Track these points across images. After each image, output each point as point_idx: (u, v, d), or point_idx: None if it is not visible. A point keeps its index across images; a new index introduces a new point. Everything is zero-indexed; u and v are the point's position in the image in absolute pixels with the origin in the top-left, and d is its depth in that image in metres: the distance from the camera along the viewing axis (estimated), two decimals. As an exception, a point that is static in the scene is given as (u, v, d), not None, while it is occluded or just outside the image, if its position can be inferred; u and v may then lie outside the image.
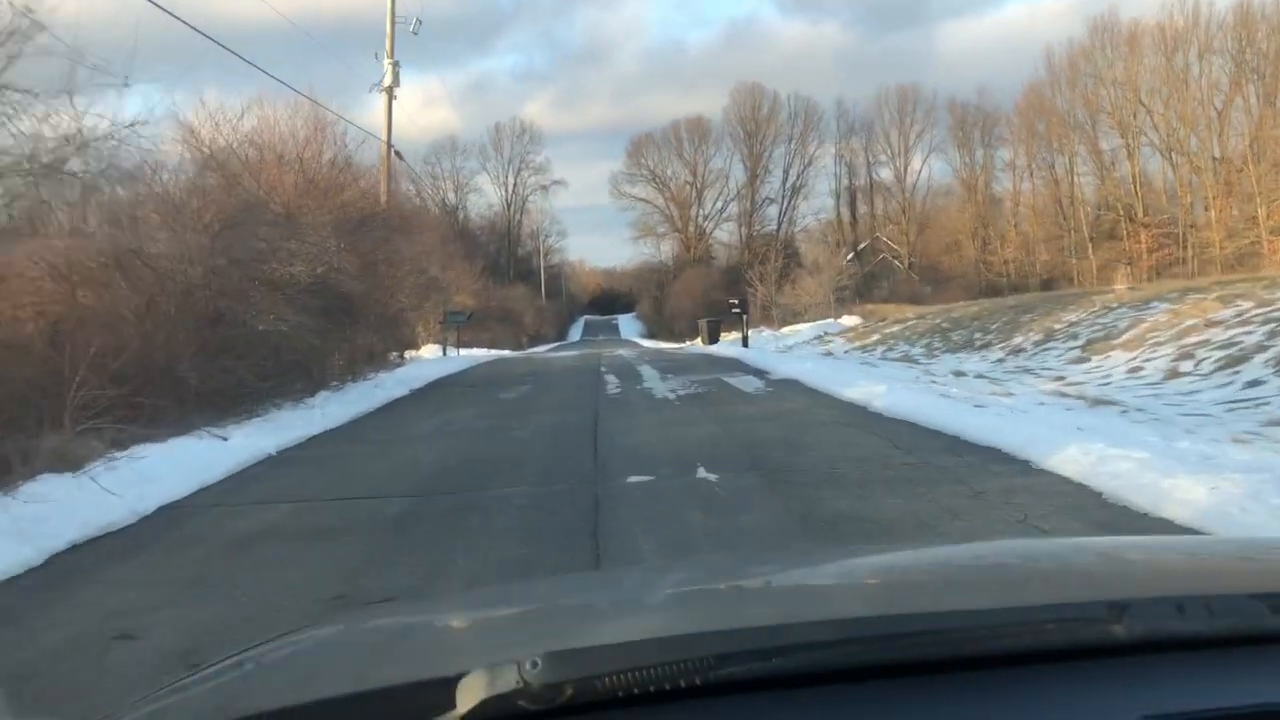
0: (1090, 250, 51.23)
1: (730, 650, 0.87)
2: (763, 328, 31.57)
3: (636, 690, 0.82)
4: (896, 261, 56.51)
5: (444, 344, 25.67)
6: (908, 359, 20.25)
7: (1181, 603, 0.95)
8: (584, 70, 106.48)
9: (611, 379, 16.69)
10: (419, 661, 1.10)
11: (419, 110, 69.55)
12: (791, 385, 13.80)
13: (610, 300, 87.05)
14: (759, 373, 16.37)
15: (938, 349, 20.91)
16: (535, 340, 50.04)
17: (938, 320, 25.47)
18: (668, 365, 19.73)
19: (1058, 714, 0.85)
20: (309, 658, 1.22)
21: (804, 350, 25.06)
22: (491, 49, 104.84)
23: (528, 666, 0.82)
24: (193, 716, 1.06)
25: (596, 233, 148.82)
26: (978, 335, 20.96)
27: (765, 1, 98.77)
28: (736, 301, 28.73)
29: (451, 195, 66.91)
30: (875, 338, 25.89)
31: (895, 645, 0.90)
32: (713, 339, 33.19)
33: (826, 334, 29.57)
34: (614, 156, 66.63)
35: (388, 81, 24.05)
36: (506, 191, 70.44)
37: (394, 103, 24.01)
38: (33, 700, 3.38)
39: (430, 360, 22.98)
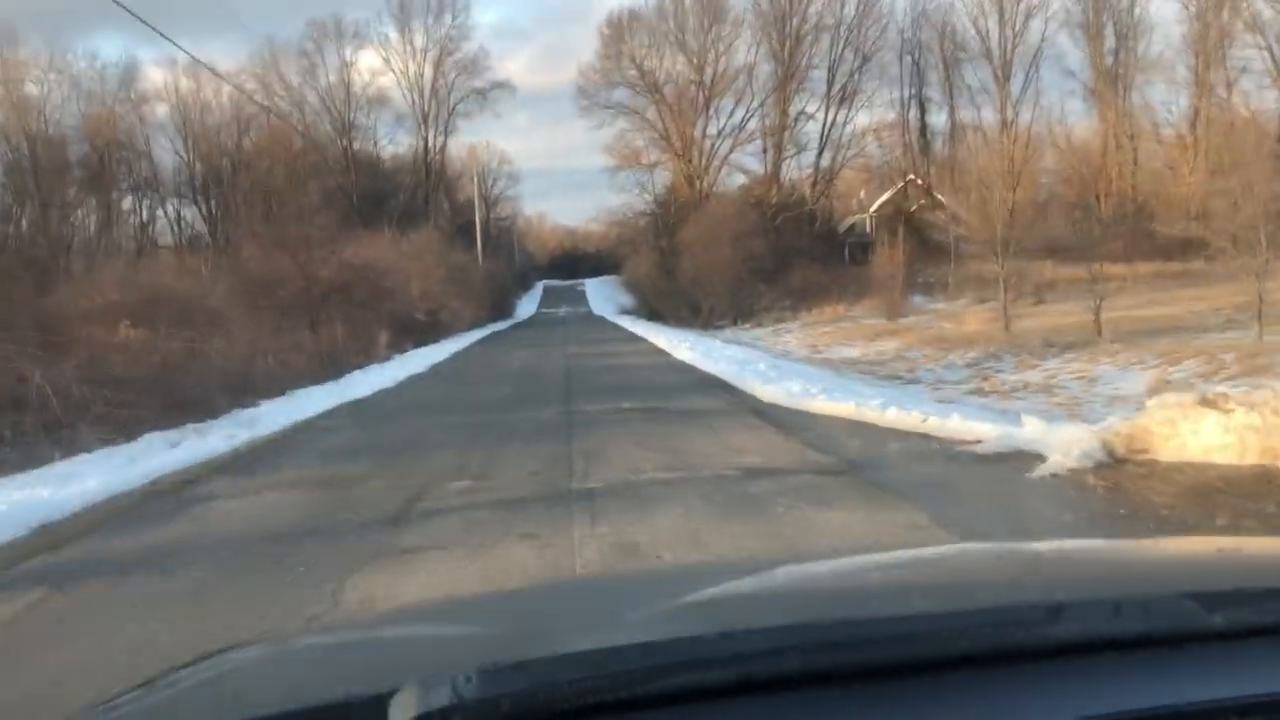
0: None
1: (664, 662, 0.86)
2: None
3: (571, 704, 0.81)
4: (944, 220, 36.37)
5: None
6: None
7: (1119, 604, 0.96)
8: (561, 25, 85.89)
9: None
10: (354, 678, 1.01)
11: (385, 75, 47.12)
12: None
13: (574, 261, 69.32)
14: None
15: None
16: (430, 333, 27.04)
17: None
18: None
19: (993, 716, 0.85)
20: (237, 678, 1.14)
21: None
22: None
23: (462, 681, 0.81)
24: None
25: (568, 197, 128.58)
26: None
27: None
28: None
29: (342, 107, 46.02)
30: None
31: (831, 653, 0.89)
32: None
33: None
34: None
35: None
36: (422, 99, 49.27)
37: None
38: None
39: None
